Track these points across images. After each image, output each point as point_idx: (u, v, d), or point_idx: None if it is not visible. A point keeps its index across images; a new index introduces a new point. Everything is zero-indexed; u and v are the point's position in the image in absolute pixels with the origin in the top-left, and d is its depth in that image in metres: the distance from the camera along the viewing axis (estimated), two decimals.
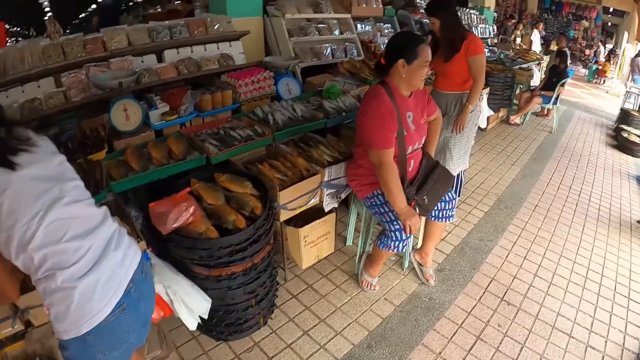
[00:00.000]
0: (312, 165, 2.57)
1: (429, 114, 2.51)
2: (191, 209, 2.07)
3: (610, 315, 2.90)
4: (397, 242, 2.40)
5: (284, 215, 2.47)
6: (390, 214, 2.39)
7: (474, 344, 2.53)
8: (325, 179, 2.54)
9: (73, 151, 2.60)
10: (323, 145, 2.75)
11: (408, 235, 2.37)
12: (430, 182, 2.43)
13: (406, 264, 3.03)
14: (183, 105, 2.96)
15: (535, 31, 12.58)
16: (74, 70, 3.09)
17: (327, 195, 2.62)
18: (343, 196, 2.74)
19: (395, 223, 2.36)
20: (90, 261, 1.24)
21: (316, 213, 2.82)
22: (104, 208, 1.42)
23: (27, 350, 2.02)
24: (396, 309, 2.72)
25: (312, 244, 2.89)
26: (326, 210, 2.72)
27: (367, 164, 2.40)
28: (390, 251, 2.47)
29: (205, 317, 2.18)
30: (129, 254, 1.39)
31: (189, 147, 2.59)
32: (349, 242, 3.28)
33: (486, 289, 2.96)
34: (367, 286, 2.83)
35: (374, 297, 2.81)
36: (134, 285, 1.36)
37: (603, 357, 2.56)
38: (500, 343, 2.55)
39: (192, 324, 2.15)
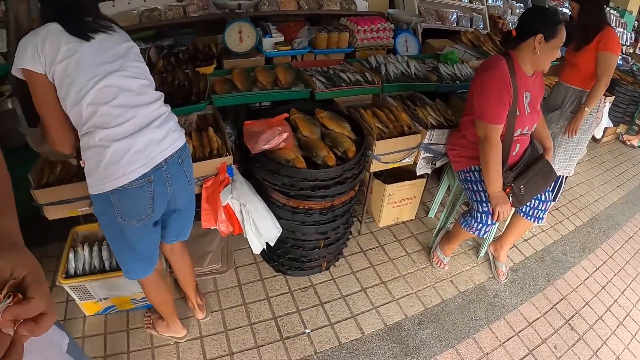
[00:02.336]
0: (415, 123, 2.35)
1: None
2: (284, 135, 1.97)
3: None
4: (480, 225, 2.18)
5: (375, 167, 2.29)
6: (482, 193, 2.14)
7: (524, 357, 2.25)
8: (426, 141, 2.31)
9: (183, 62, 2.60)
10: (430, 108, 2.50)
11: (493, 222, 2.13)
12: (530, 172, 2.15)
13: (482, 253, 2.76)
14: (298, 38, 2.85)
15: None
16: None
17: (422, 158, 2.39)
18: (438, 164, 2.49)
19: (484, 205, 2.12)
20: (129, 129, 1.34)
21: (406, 175, 2.63)
22: (159, 93, 1.50)
23: (98, 234, 2.10)
24: (459, 294, 2.50)
25: (395, 205, 2.71)
26: (418, 174, 2.50)
27: (471, 136, 2.15)
28: (471, 233, 2.25)
29: (272, 244, 2.11)
30: (169, 137, 1.45)
31: (295, 79, 2.48)
32: (432, 214, 3.04)
33: (555, 305, 2.61)
34: (437, 263, 2.62)
35: (440, 276, 2.60)
36: (166, 166, 1.44)
37: None
38: None
39: (257, 247, 2.09)
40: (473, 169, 2.20)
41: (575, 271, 2.92)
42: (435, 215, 3.03)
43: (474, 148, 2.14)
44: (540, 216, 2.29)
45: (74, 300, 2.08)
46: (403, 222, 2.96)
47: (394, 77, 2.61)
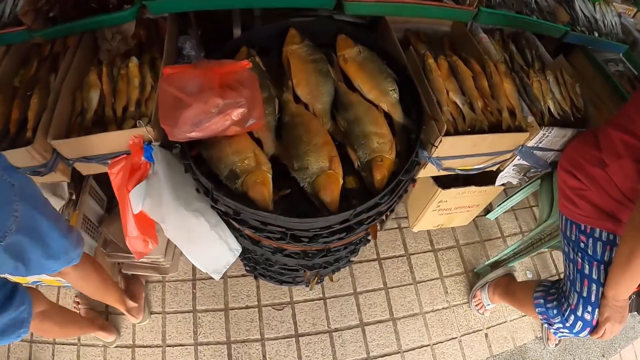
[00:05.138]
0: (525, 107, 1.13)
1: None
2: (238, 111, 0.84)
3: None
4: (565, 330, 1.16)
5: (428, 172, 1.20)
6: (593, 285, 1.08)
7: None
8: (532, 142, 1.14)
9: None
10: (552, 75, 1.24)
11: (586, 335, 1.12)
12: None
13: None
14: None
15: None
16: None
17: (514, 165, 1.25)
18: (531, 174, 1.33)
19: (587, 307, 1.09)
20: None
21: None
22: None
23: None
24: (489, 358, 1.63)
25: (445, 212, 1.61)
26: (497, 185, 1.38)
27: (618, 173, 1.03)
28: (546, 326, 1.29)
29: (219, 276, 1.18)
30: None
31: None
32: (492, 216, 1.92)
33: None
34: (477, 305, 1.67)
35: (474, 325, 1.68)
36: None
37: None
38: None
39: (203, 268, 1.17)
40: (598, 234, 1.08)
41: (636, 345, 1.91)
42: (496, 220, 1.91)
43: (618, 200, 1.05)
44: None
45: None
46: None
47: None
